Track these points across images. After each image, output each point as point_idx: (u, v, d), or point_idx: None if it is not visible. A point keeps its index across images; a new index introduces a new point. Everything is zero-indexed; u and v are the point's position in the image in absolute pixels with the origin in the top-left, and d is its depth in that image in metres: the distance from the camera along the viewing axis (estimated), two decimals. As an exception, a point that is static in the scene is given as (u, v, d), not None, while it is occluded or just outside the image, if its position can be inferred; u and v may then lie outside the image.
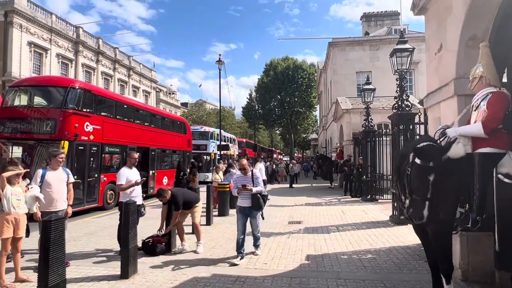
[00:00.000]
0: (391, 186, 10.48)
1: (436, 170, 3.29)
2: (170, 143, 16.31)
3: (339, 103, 19.09)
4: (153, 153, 14.38)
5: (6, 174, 4.62)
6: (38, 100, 10.50)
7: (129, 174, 5.88)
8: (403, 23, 27.20)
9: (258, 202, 5.47)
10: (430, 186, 3.28)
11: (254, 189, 5.52)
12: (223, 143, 24.69)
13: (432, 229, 3.52)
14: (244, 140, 42.59)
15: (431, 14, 5.57)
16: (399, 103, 8.66)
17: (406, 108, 8.59)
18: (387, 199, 12.03)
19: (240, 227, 5.48)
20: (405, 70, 8.69)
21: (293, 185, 19.66)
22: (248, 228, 5.65)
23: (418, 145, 3.39)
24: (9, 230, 4.53)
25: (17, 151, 10.32)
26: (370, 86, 13.14)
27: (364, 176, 12.84)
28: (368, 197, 12.60)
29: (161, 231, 5.87)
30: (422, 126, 8.39)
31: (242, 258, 5.41)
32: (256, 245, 5.84)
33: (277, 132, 77.89)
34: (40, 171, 5.16)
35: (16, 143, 10.08)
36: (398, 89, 8.74)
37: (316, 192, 16.60)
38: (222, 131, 25.57)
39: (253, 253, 5.76)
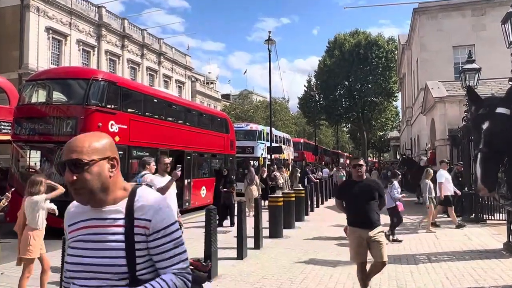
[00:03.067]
0: (505, 201, 9.76)
1: None
2: (209, 145, 16.76)
3: (430, 90, 18.27)
4: (188, 157, 14.87)
5: (50, 196, 5.19)
6: (57, 96, 11.38)
7: (160, 182, 6.16)
8: (520, -23, 25.28)
9: None
10: None
11: None
12: (274, 144, 24.81)
13: None
14: (302, 140, 42.44)
15: None
16: (517, 87, 8.03)
17: (527, 94, 7.93)
18: (499, 219, 11.25)
19: None
20: (524, 42, 8.04)
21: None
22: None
23: None
24: (38, 250, 5.08)
25: (35, 156, 11.27)
26: (474, 65, 12.40)
27: (466, 188, 12.12)
28: (472, 216, 11.88)
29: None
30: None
31: None
32: None
33: (345, 129, 76.75)
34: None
35: (33, 147, 11.01)
36: (514, 68, 8.12)
37: (399, 208, 16.06)
38: (273, 129, 25.69)
39: None
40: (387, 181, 32.70)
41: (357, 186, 5.24)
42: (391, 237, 9.13)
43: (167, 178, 6.33)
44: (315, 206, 15.84)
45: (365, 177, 5.37)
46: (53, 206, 5.32)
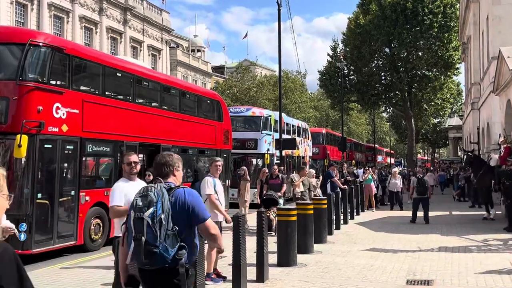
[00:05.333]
0: None
1: None
2: (195, 137, 16.78)
3: (505, 59, 18.13)
4: (165, 154, 14.85)
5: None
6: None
7: (128, 190, 6.07)
8: None
9: None
10: None
11: None
12: (285, 136, 24.72)
13: None
14: (323, 130, 42.39)
15: None
16: None
17: None
18: None
19: None
20: None
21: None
22: None
23: None
24: None
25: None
26: None
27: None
28: None
29: None
30: None
31: None
32: None
33: (384, 115, 76.33)
34: (210, 179, 8.33)
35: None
36: None
37: (461, 226, 16.10)
38: (284, 115, 25.58)
39: None
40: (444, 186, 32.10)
41: None
42: None
43: (137, 183, 6.24)
44: (341, 222, 15.83)
45: None
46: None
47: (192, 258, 3.94)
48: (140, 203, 3.77)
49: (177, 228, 3.72)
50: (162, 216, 3.68)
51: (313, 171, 18.64)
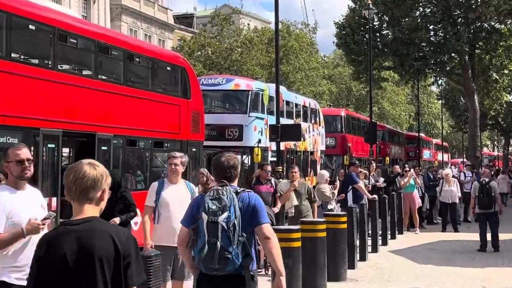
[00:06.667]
0: None
1: None
2: (148, 123, 16.78)
3: None
4: (104, 147, 14.89)
5: None
6: None
7: (14, 206, 5.68)
8: None
9: None
10: None
11: None
12: (285, 120, 24.67)
13: None
14: (342, 112, 42.35)
15: None
16: None
17: None
18: None
19: None
20: None
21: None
22: None
23: None
24: None
25: None
26: None
27: None
28: None
29: None
30: None
31: None
32: None
33: (434, 89, 76.18)
34: (156, 184, 8.66)
35: None
36: None
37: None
38: (283, 88, 25.49)
39: None
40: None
41: None
42: None
43: (25, 194, 5.88)
44: (368, 249, 15.96)
45: None
46: None
47: (254, 264, 5.37)
48: (214, 207, 5.15)
49: (245, 235, 5.14)
50: (235, 222, 5.10)
51: (326, 173, 18.25)
